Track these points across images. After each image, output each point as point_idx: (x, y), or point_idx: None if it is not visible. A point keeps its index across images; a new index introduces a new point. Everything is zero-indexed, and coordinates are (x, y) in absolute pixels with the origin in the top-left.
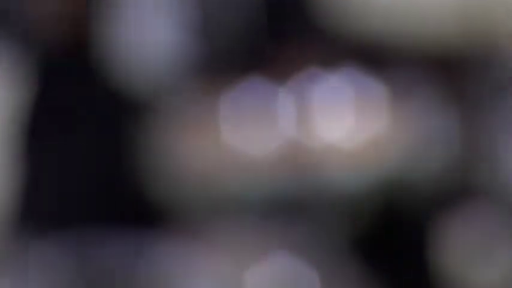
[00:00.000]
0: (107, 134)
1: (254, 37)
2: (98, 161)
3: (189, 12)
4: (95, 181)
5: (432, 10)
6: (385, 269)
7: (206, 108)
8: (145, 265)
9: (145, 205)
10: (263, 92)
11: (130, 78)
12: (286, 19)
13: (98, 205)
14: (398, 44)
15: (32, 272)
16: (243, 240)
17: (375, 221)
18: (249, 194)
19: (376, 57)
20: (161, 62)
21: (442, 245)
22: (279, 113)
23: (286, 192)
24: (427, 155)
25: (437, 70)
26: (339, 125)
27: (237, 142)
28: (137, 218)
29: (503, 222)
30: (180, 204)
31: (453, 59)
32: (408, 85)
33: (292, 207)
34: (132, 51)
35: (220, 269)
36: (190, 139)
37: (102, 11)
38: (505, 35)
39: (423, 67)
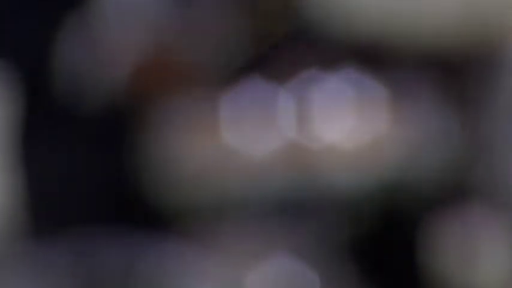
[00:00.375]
0: (107, 135)
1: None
2: (98, 162)
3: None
4: (95, 182)
5: (432, 10)
6: (385, 270)
7: (206, 109)
8: (146, 266)
9: (145, 206)
10: (263, 92)
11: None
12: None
13: (98, 206)
14: (398, 44)
15: (34, 273)
16: (243, 241)
17: (375, 222)
18: (249, 195)
19: (376, 57)
20: None
21: (442, 245)
22: (279, 113)
23: (286, 193)
24: (427, 155)
25: (437, 70)
26: (339, 126)
27: (237, 142)
28: (137, 219)
29: (503, 223)
30: (179, 205)
31: (453, 59)
32: (408, 85)
33: (292, 208)
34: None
35: (220, 270)
36: (189, 139)
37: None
38: (505, 35)
39: (423, 67)
